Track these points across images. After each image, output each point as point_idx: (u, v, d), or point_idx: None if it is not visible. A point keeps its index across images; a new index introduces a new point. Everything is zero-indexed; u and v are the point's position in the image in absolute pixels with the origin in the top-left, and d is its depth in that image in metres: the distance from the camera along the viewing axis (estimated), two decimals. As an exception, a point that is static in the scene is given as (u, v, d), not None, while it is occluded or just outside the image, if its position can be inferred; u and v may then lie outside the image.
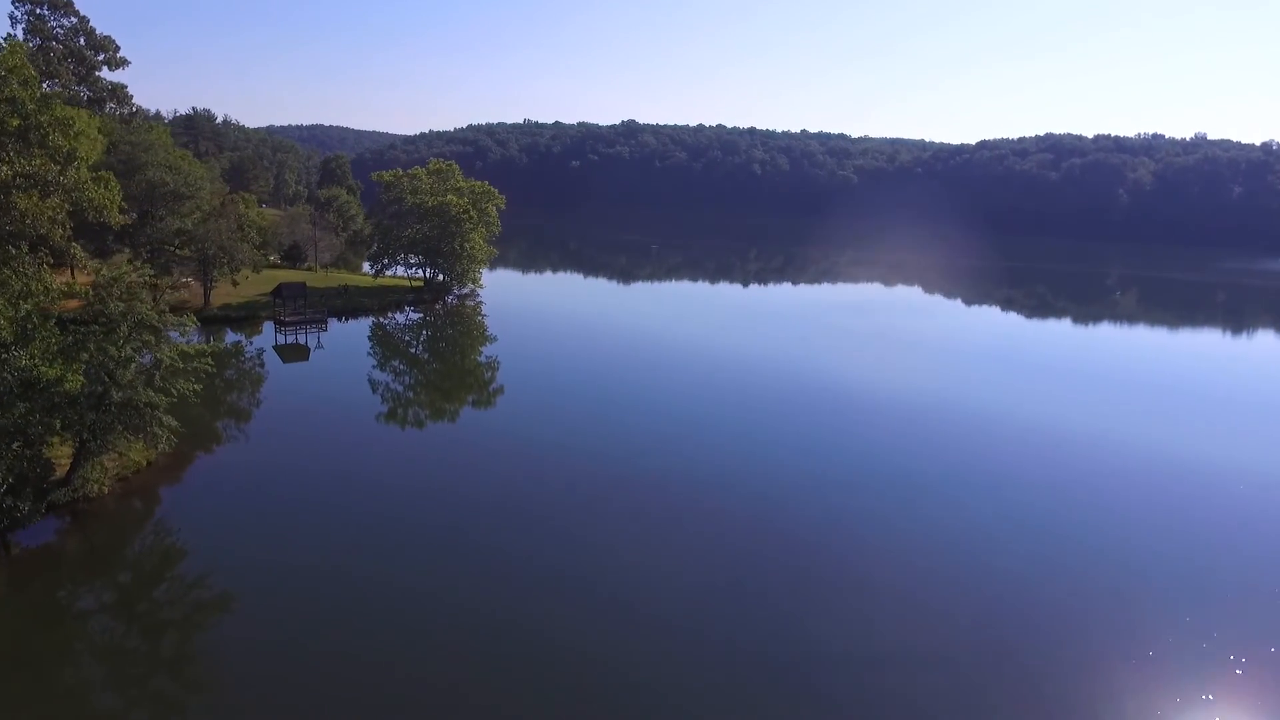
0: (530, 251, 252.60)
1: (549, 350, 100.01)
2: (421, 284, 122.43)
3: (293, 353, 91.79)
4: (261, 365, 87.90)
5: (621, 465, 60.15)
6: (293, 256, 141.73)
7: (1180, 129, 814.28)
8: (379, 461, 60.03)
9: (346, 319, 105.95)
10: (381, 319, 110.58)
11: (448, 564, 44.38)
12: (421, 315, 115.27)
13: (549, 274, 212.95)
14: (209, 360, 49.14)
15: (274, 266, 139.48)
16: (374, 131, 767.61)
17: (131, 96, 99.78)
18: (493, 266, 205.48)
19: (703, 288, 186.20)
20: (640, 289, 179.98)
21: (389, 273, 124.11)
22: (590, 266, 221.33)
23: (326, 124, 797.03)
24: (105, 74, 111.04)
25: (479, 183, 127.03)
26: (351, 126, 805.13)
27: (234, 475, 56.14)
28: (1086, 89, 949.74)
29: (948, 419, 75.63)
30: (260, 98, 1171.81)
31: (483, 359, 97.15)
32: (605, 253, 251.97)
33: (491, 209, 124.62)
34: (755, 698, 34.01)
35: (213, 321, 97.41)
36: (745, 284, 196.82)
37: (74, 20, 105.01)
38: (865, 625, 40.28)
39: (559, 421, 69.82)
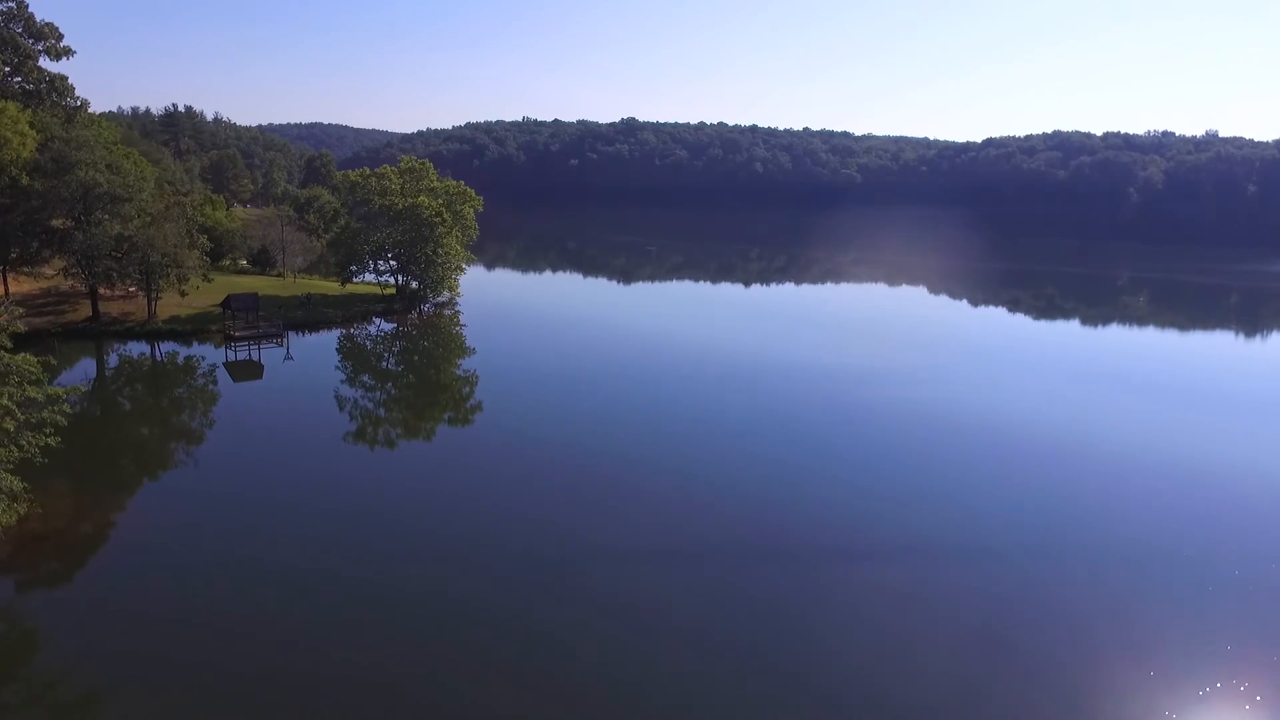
0: (529, 251, 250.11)
1: (535, 363, 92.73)
2: (393, 291, 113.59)
3: (244, 371, 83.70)
4: (214, 383, 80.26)
5: (611, 484, 56.24)
6: (262, 261, 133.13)
7: (1191, 126, 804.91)
8: (323, 505, 51.58)
9: (306, 332, 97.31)
10: (350, 330, 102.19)
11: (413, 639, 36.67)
12: (394, 327, 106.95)
13: (546, 275, 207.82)
14: (63, 408, 40.52)
15: (241, 272, 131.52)
16: (373, 129, 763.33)
17: (74, 88, 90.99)
18: (491, 266, 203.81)
19: (704, 288, 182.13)
20: (638, 292, 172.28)
21: (358, 279, 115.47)
22: (588, 267, 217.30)
23: (326, 122, 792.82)
24: (46, 64, 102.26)
25: (454, 182, 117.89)
26: (351, 125, 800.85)
27: (125, 537, 47.63)
28: (1093, 86, 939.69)
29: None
30: (260, 95, 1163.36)
31: (460, 372, 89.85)
32: (604, 253, 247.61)
33: (468, 211, 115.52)
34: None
35: (157, 336, 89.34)
36: (747, 284, 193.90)
37: (11, 4, 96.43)
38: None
39: (544, 438, 65.05)
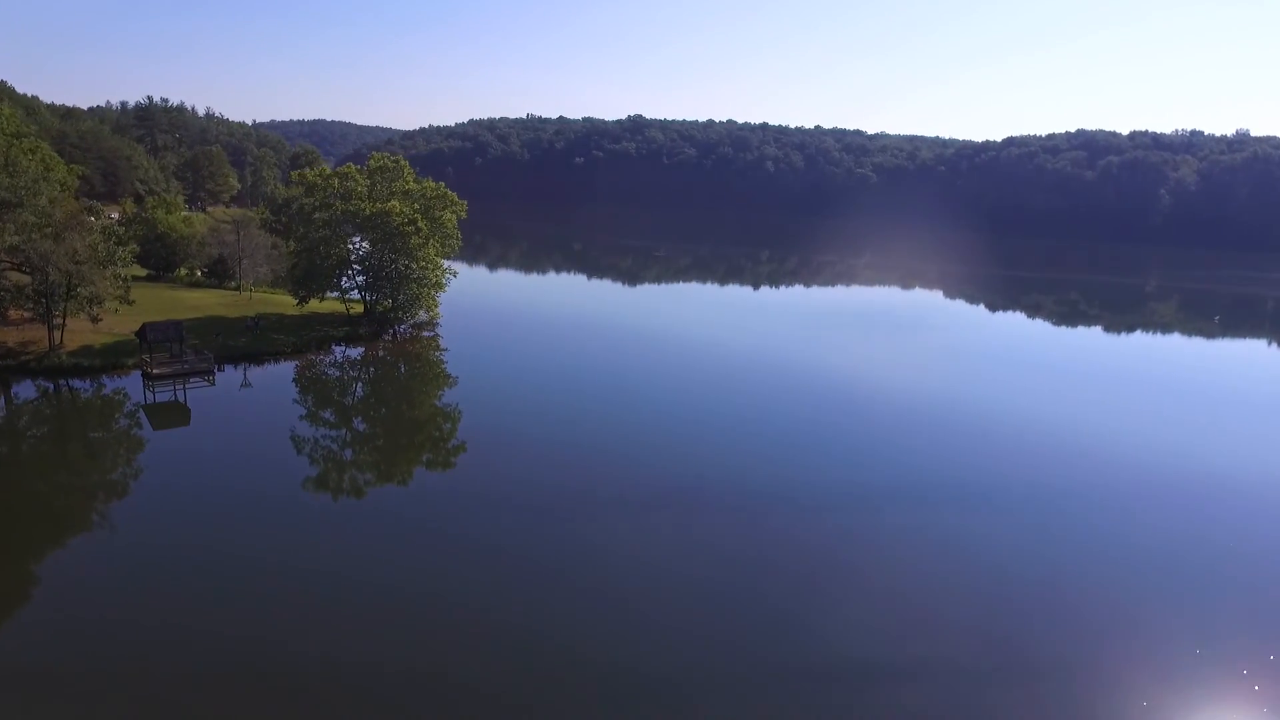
0: (532, 252, 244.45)
1: (526, 392, 79.17)
2: (361, 310, 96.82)
3: (166, 415, 68.30)
4: (138, 427, 66.09)
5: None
6: (219, 272, 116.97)
7: (1220, 125, 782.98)
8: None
9: (248, 366, 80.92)
10: (313, 357, 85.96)
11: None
12: (362, 352, 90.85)
13: (549, 279, 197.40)
14: None
15: (194, 285, 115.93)
16: (376, 127, 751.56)
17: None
18: (494, 267, 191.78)
19: (715, 293, 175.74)
20: (646, 301, 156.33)
21: (324, 296, 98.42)
22: (593, 269, 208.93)
23: (329, 119, 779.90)
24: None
25: (433, 184, 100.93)
26: (354, 121, 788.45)
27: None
28: (1114, 82, 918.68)
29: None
30: (264, 92, 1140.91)
31: (441, 403, 77.00)
32: (610, 255, 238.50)
33: (449, 218, 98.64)
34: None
35: (60, 372, 73.18)
36: (756, 286, 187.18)
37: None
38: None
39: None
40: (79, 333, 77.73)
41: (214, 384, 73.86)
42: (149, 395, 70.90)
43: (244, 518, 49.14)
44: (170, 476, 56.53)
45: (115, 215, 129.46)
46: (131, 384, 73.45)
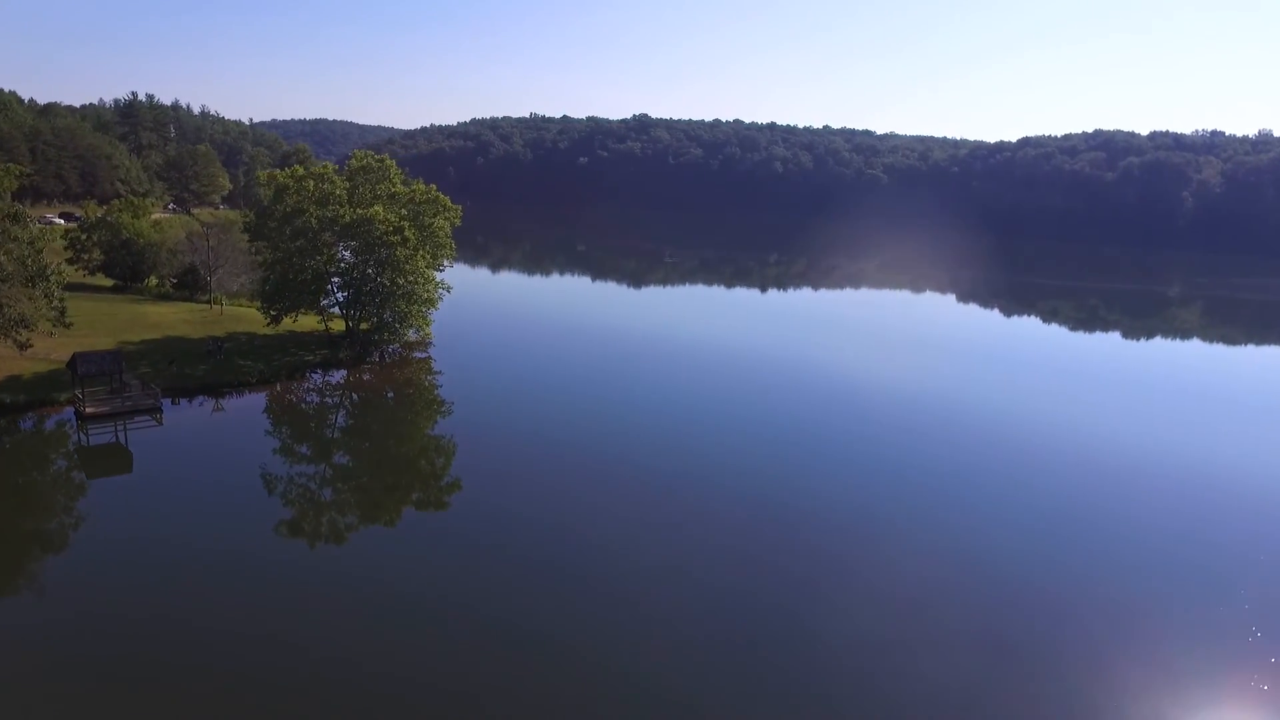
0: (534, 254, 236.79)
1: (528, 419, 69.21)
2: (343, 329, 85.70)
3: (102, 461, 57.77)
4: (77, 469, 57.12)
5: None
6: (191, 284, 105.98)
7: (1239, 126, 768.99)
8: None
9: (213, 399, 69.69)
10: (287, 385, 75.06)
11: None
12: (344, 378, 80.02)
13: (552, 284, 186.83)
14: None
15: (162, 298, 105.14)
16: (378, 126, 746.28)
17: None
18: (496, 269, 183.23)
19: (720, 294, 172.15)
20: (655, 311, 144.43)
21: (299, 314, 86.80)
22: (598, 272, 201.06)
23: (330, 118, 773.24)
24: None
25: (423, 186, 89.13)
26: (356, 121, 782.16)
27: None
28: (1129, 82, 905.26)
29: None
30: (266, 91, 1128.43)
31: (434, 432, 68.03)
32: (615, 257, 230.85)
33: (441, 225, 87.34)
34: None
35: (-24, 409, 62.02)
36: (764, 289, 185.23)
37: None
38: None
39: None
40: (7, 360, 66.86)
41: (162, 423, 62.83)
42: (83, 438, 60.09)
43: (189, 575, 41.55)
44: (105, 532, 47.28)
45: (82, 215, 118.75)
46: (68, 421, 62.76)
